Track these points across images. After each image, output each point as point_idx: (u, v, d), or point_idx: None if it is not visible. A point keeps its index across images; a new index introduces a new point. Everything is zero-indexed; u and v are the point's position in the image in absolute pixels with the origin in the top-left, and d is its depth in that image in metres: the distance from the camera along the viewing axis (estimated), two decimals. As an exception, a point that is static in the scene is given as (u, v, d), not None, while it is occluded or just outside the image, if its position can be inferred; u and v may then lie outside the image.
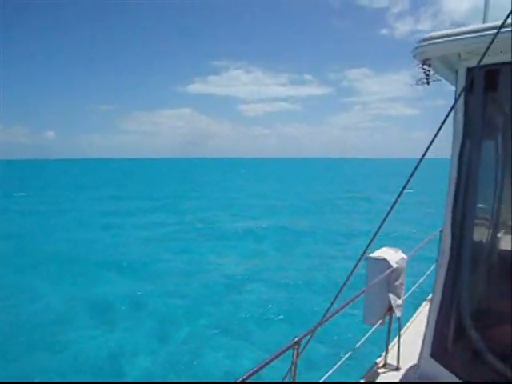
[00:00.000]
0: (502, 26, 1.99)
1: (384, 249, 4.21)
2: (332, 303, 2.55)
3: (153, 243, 23.51)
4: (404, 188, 2.21)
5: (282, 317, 12.47)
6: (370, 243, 2.37)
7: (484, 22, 2.85)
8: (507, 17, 1.95)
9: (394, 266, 4.00)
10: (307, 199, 46.33)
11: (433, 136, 2.17)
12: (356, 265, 2.39)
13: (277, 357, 2.39)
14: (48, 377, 9.25)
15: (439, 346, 3.17)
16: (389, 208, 2.25)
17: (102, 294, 14.48)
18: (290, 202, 43.97)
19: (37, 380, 9.18)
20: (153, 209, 38.61)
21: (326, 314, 2.64)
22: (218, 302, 13.88)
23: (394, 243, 4.59)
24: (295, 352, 2.58)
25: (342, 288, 2.38)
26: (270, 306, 13.26)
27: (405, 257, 4.24)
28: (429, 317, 3.24)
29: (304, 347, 2.60)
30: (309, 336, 2.63)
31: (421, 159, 2.20)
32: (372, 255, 4.00)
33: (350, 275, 2.36)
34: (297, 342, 2.56)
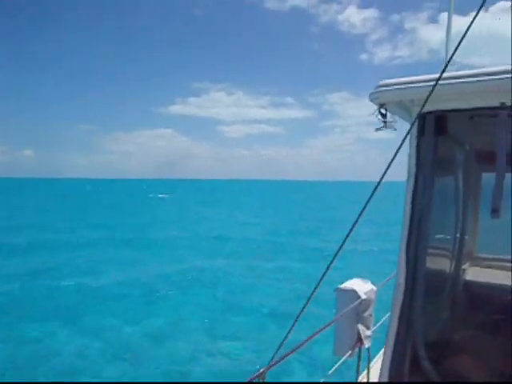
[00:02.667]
0: (439, 79, 2.20)
1: (353, 280, 4.23)
2: (288, 333, 2.47)
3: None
4: (360, 214, 2.24)
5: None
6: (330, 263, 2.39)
7: (445, 60, 3.08)
8: (443, 70, 2.18)
9: (363, 296, 4.01)
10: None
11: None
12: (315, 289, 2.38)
13: None
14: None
15: (395, 377, 3.20)
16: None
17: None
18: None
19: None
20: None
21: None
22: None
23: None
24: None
25: (299, 314, 2.35)
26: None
27: (374, 288, 4.26)
28: (385, 348, 3.26)
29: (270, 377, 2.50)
30: (275, 366, 2.55)
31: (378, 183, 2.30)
32: (341, 286, 4.01)
33: (309, 298, 2.37)
34: (262, 373, 2.46)
